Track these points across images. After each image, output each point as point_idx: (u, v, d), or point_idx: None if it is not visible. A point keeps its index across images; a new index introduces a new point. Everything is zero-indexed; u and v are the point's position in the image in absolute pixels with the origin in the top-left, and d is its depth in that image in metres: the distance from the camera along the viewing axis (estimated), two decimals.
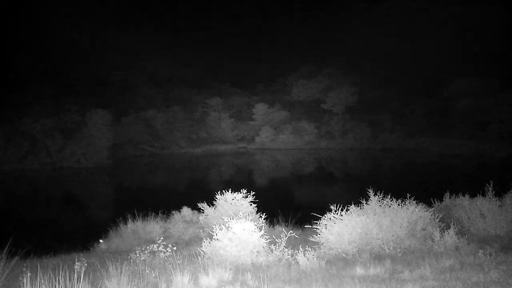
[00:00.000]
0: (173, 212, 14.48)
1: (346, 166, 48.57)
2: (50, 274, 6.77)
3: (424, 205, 11.32)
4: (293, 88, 69.50)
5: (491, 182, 11.76)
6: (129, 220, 13.42)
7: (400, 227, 10.08)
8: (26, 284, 6.38)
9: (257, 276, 7.53)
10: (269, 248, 9.33)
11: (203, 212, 13.19)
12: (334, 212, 9.97)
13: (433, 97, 62.13)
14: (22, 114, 47.98)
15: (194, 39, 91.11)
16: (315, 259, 8.55)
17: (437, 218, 10.80)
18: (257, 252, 9.10)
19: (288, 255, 8.99)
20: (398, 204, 10.61)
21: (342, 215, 9.91)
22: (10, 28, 72.40)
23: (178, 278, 7.22)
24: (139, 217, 13.49)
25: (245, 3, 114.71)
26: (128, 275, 7.31)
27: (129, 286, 7.02)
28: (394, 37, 77.87)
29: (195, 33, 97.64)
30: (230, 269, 7.87)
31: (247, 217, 10.08)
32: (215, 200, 12.99)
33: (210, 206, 13.05)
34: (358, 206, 10.61)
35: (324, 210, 10.24)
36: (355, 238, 9.60)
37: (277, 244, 9.31)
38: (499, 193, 11.86)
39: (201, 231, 12.10)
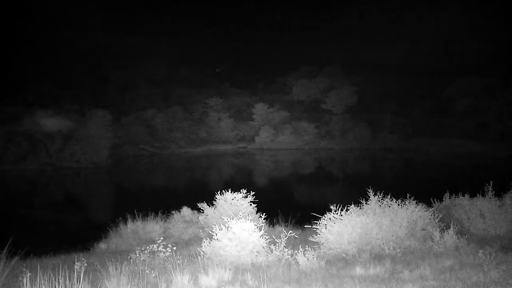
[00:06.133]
0: (173, 212, 14.48)
1: (346, 166, 48.56)
2: (50, 274, 6.77)
3: (424, 205, 11.32)
4: (293, 88, 69.47)
5: (491, 182, 11.76)
6: (129, 220, 13.42)
7: (400, 227, 10.08)
8: (26, 284, 6.38)
9: (257, 276, 7.54)
10: (269, 248, 9.33)
11: (203, 212, 13.18)
12: (334, 212, 9.97)
13: (433, 97, 62.13)
14: (22, 114, 47.99)
15: (194, 39, 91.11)
16: (315, 259, 8.55)
17: (437, 218, 10.80)
18: (257, 252, 9.10)
19: (288, 255, 8.99)
20: (398, 204, 10.61)
21: (342, 215, 9.91)
22: (10, 28, 72.40)
23: (178, 278, 7.22)
24: (139, 217, 13.49)
25: (245, 3, 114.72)
26: (128, 275, 7.32)
27: (129, 286, 7.02)
28: (394, 37, 77.87)
29: (195, 33, 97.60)
30: (230, 269, 7.87)
31: (247, 217, 10.08)
32: (215, 200, 12.99)
33: (210, 206, 13.05)
34: (358, 206, 10.61)
35: (324, 210, 10.24)
36: (355, 238, 9.60)
37: (277, 244, 9.31)
38: (499, 193, 11.86)
39: (201, 231, 12.11)
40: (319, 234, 9.93)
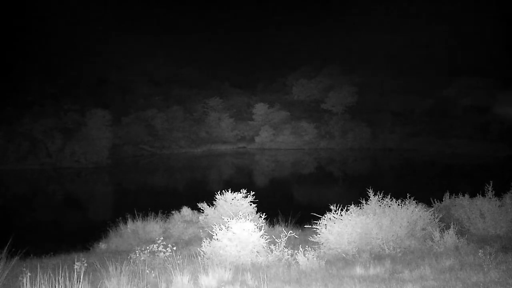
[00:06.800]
0: (173, 212, 14.49)
1: (346, 166, 48.56)
2: (50, 274, 6.77)
3: (424, 205, 11.33)
4: (293, 88, 69.44)
5: (491, 182, 11.76)
6: (129, 220, 13.43)
7: (400, 227, 10.08)
8: (26, 284, 6.38)
9: (257, 276, 7.54)
10: (269, 248, 9.34)
11: (203, 212, 13.19)
12: (334, 212, 9.97)
13: (433, 97, 62.10)
14: (22, 114, 47.99)
15: (194, 39, 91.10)
16: (315, 259, 8.55)
17: (437, 218, 10.80)
18: (257, 252, 9.10)
19: (288, 255, 8.99)
20: (398, 204, 10.61)
21: (342, 215, 9.92)
22: (10, 27, 72.40)
23: (178, 278, 7.22)
24: (139, 217, 13.50)
25: (245, 3, 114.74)
26: (128, 275, 7.32)
27: (129, 286, 7.03)
28: (394, 37, 77.84)
29: (195, 33, 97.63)
30: (230, 269, 7.87)
31: (247, 217, 10.08)
32: (215, 200, 13.00)
33: (210, 206, 13.06)
34: (358, 206, 10.61)
35: (324, 210, 10.24)
36: (355, 238, 9.60)
37: (277, 244, 9.31)
38: (499, 193, 11.86)
39: (201, 231, 12.11)
40: (319, 234, 9.93)
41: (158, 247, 9.02)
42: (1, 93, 52.25)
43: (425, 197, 12.62)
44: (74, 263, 7.26)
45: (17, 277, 7.67)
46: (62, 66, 64.05)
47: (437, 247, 9.51)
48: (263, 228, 9.81)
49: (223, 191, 13.01)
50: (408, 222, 10.24)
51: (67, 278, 6.40)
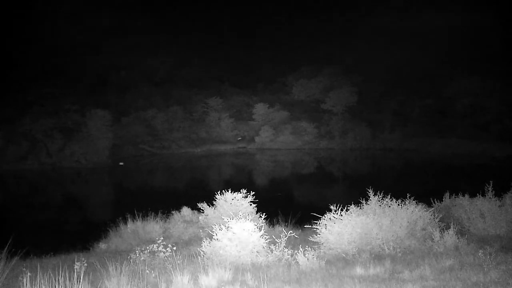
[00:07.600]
0: (173, 212, 14.50)
1: (346, 166, 48.56)
2: (50, 274, 6.77)
3: (424, 205, 11.33)
4: (293, 88, 69.45)
5: (491, 182, 11.76)
6: (129, 220, 13.43)
7: (400, 227, 10.08)
8: (26, 284, 6.38)
9: (257, 276, 7.54)
10: (269, 248, 9.34)
11: (203, 212, 13.19)
12: (334, 212, 9.97)
13: (433, 97, 62.10)
14: (22, 114, 48.00)
15: (194, 39, 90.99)
16: (315, 259, 8.55)
17: (437, 218, 10.81)
18: (257, 252, 9.10)
19: (288, 255, 9.00)
20: (398, 204, 10.61)
21: (342, 215, 9.92)
22: (10, 27, 72.43)
23: (178, 278, 7.22)
24: (138, 217, 13.50)
25: (245, 3, 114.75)
26: (128, 275, 7.32)
27: (129, 286, 7.03)
28: (394, 37, 77.87)
29: (195, 33, 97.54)
30: (230, 269, 7.88)
31: (247, 217, 10.08)
32: (215, 200, 13.00)
33: (210, 206, 13.06)
34: (358, 206, 10.61)
35: (324, 210, 10.24)
36: (355, 238, 9.60)
37: (277, 244, 9.31)
38: (499, 193, 11.87)
39: (201, 231, 12.11)
40: (319, 234, 9.93)
41: (158, 247, 9.02)
42: (1, 93, 52.25)
43: (425, 197, 12.62)
44: (74, 263, 7.27)
45: (17, 277, 7.67)
46: (62, 66, 64.04)
47: (437, 247, 9.51)
48: (263, 228, 9.81)
49: (223, 191, 13.01)
50: (408, 222, 10.24)
51: (67, 278, 6.40)
